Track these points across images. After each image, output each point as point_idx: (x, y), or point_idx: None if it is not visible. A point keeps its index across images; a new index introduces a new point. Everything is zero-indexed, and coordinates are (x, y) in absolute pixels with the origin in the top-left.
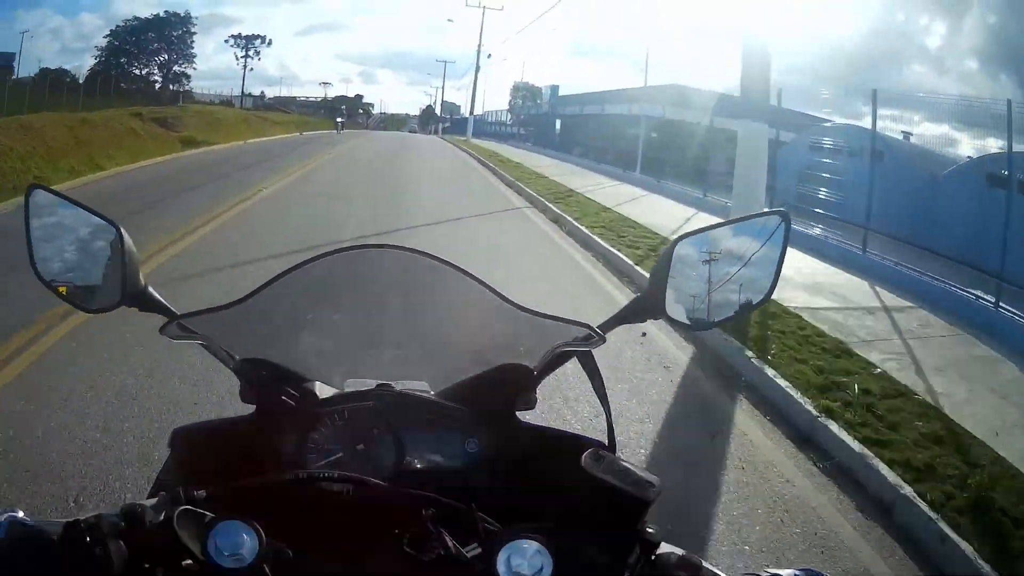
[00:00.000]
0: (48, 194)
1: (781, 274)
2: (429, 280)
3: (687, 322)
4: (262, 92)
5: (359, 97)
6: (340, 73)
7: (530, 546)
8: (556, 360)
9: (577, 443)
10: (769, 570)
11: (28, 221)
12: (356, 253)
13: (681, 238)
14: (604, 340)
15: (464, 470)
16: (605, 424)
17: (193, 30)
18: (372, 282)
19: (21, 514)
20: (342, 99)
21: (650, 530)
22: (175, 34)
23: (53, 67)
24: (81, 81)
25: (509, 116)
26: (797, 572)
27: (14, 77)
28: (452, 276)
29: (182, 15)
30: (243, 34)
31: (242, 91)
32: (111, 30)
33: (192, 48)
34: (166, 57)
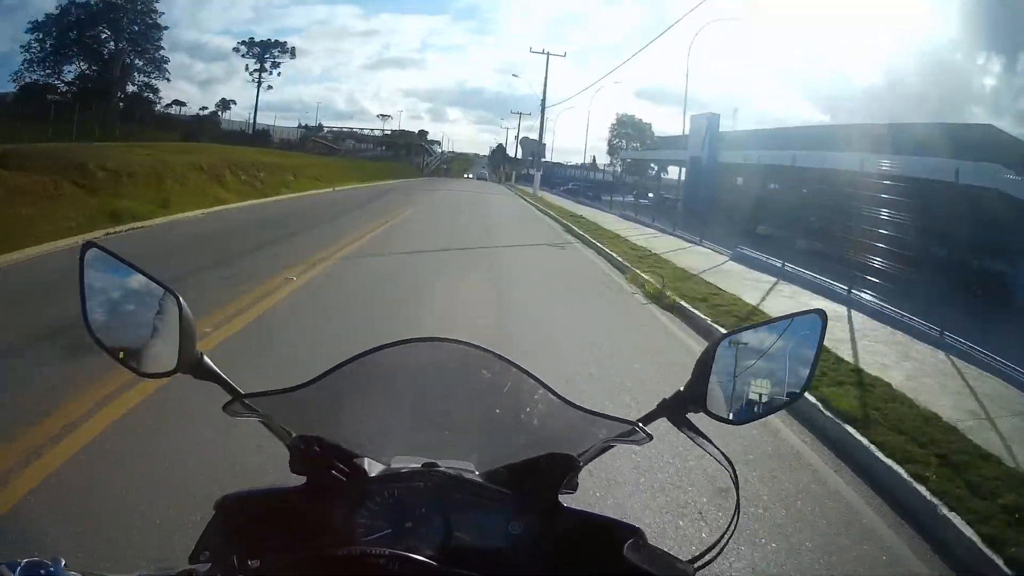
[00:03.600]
0: (103, 254)
1: None
2: (479, 370)
3: (724, 416)
4: (319, 123)
5: (423, 133)
6: (409, 110)
7: None
8: (601, 451)
9: (616, 529)
10: None
11: (82, 280)
12: (411, 346)
13: (725, 336)
14: (651, 438)
15: (508, 551)
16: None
17: (162, 24)
18: (425, 370)
19: (64, 563)
20: (403, 134)
21: None
22: (134, 27)
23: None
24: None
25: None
26: None
27: None
28: (503, 368)
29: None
30: (256, 39)
31: (254, 113)
32: (32, 22)
33: (161, 50)
34: (121, 60)
